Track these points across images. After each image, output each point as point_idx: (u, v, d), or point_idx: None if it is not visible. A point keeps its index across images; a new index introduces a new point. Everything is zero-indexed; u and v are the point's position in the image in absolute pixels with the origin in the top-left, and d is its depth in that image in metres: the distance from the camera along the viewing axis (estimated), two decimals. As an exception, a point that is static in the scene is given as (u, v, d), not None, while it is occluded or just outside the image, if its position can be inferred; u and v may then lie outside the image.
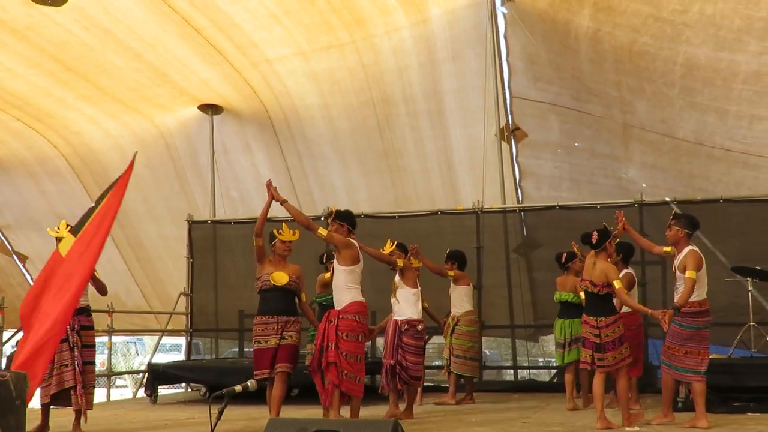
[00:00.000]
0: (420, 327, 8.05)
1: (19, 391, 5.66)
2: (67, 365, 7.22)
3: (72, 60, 11.67)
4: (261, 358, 6.96)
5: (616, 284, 7.01)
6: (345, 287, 7.08)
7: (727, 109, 10.99)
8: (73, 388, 7.19)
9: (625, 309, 8.21)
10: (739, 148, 11.50)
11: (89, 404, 7.40)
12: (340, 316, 7.02)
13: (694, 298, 6.90)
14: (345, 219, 7.32)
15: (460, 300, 9.62)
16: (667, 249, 7.28)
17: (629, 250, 8.45)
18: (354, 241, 7.20)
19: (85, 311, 7.47)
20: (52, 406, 7.37)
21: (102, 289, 7.62)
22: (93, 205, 7.30)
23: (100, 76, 12.15)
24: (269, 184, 7.03)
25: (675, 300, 7.02)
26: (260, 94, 13.01)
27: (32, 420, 7.44)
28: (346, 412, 7.20)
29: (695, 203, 10.56)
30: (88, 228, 7.08)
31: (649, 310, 7.13)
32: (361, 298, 7.10)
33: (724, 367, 8.23)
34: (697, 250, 7.03)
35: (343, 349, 6.96)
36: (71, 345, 7.24)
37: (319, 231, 7.01)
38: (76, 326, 7.29)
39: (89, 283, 7.45)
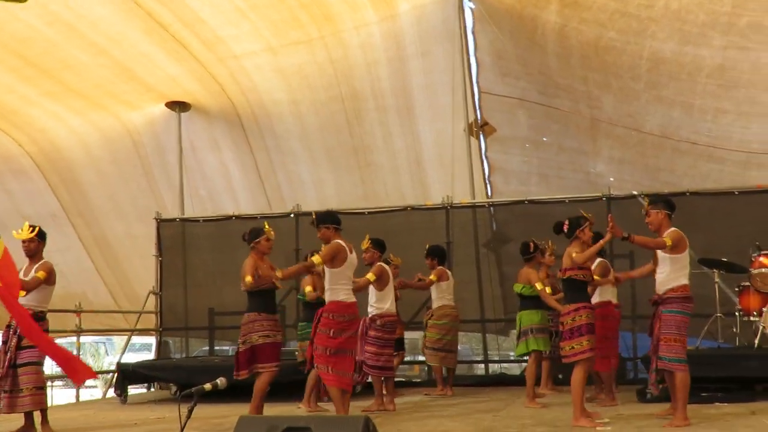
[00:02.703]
0: (379, 321, 8.25)
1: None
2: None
3: (35, 56, 11.52)
4: (273, 352, 7.37)
5: (574, 254, 6.95)
6: (329, 287, 7.23)
7: (692, 103, 11.11)
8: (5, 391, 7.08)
9: (600, 298, 8.16)
10: (705, 141, 11.63)
11: (38, 404, 7.24)
12: (322, 314, 7.23)
13: (681, 281, 6.74)
14: (328, 220, 7.38)
15: (438, 295, 9.87)
16: (669, 241, 6.70)
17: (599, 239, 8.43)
18: (341, 241, 7.22)
19: (35, 315, 7.30)
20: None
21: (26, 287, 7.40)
22: None
23: (65, 72, 12.00)
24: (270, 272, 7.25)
25: (657, 288, 6.83)
26: (228, 90, 12.93)
27: (9, 422, 7.38)
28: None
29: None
30: None
31: (602, 241, 6.94)
32: (340, 298, 7.18)
33: (691, 358, 8.20)
34: (681, 232, 6.81)
35: (315, 343, 7.19)
36: (7, 348, 7.14)
37: (316, 263, 7.14)
38: (19, 329, 7.16)
39: (38, 288, 7.30)
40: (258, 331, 7.29)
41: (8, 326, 7.25)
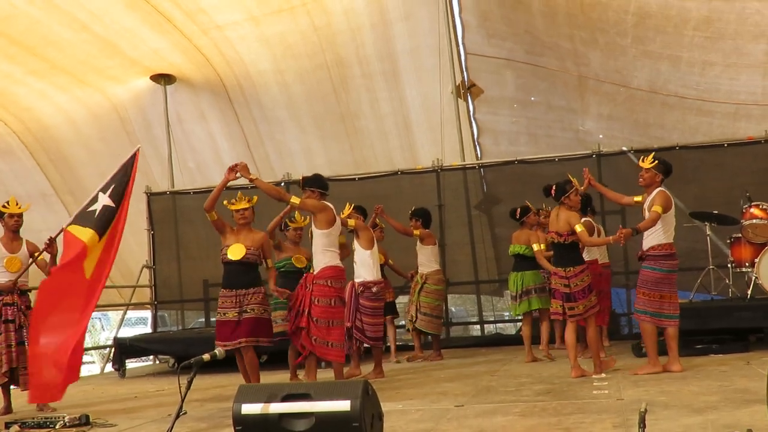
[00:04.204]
0: (375, 288, 8.05)
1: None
2: (11, 346, 7.17)
3: (18, 34, 11.37)
4: (220, 331, 6.89)
5: (578, 228, 7.09)
6: (321, 251, 7.05)
7: (679, 57, 11.07)
8: (18, 368, 7.14)
9: (587, 257, 8.26)
10: (693, 94, 11.61)
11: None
12: (314, 281, 7.02)
13: (663, 240, 6.97)
14: (314, 184, 7.23)
15: (428, 259, 9.71)
16: (638, 198, 7.29)
17: (585, 201, 8.51)
18: (328, 204, 7.16)
19: (28, 292, 7.45)
20: (12, 387, 7.34)
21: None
22: (110, 204, 7.15)
23: (48, 49, 11.87)
24: (234, 167, 6.84)
25: (643, 244, 7.09)
26: (212, 61, 12.83)
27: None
28: (327, 374, 7.25)
29: (651, 152, 10.65)
30: (110, 233, 7.05)
31: (610, 238, 7.29)
32: (336, 263, 7.07)
33: (686, 311, 8.31)
34: (667, 192, 7.06)
35: (313, 314, 6.95)
36: (17, 326, 7.20)
37: (291, 200, 6.94)
38: (23, 307, 7.25)
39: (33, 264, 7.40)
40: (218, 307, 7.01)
41: (11, 304, 7.26)
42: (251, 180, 6.88)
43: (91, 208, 7.05)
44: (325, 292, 6.98)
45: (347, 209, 8.13)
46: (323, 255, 7.06)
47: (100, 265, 6.90)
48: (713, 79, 11.21)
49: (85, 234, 6.87)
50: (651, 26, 10.74)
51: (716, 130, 11.84)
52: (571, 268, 7.21)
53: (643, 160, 7.22)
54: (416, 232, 9.54)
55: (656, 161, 7.15)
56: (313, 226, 7.18)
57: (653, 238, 7.00)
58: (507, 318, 13.20)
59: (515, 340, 11.44)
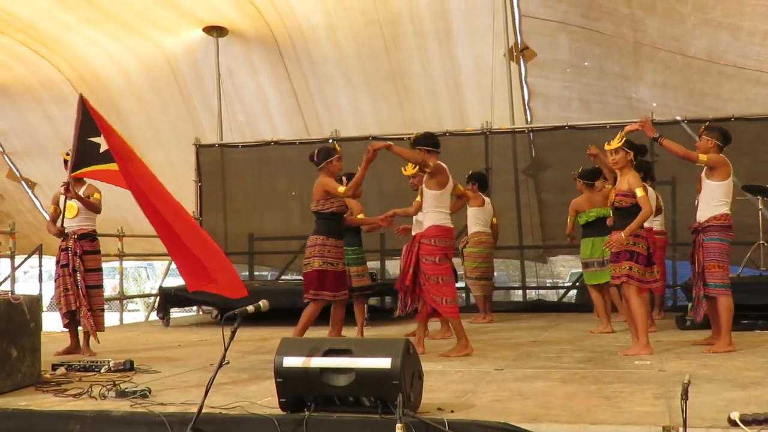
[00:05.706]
0: None
1: (33, 314, 5.71)
2: (68, 289, 7.34)
3: (73, -19, 11.48)
4: (340, 280, 7.29)
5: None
6: (430, 210, 6.97)
7: (740, 26, 10.79)
8: (78, 311, 7.32)
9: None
10: (752, 65, 11.33)
11: (99, 326, 7.53)
12: (421, 240, 6.96)
13: (722, 210, 6.65)
14: (426, 142, 7.11)
15: (471, 221, 9.75)
16: (704, 158, 6.65)
17: (646, 167, 8.27)
18: (444, 165, 7.09)
19: (90, 236, 7.57)
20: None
21: (96, 208, 7.67)
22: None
23: (102, -3, 11.97)
24: (372, 147, 6.88)
25: (698, 216, 6.78)
26: (265, 14, 12.80)
27: (56, 342, 7.56)
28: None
29: (706, 122, 10.44)
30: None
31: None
32: (442, 222, 6.95)
33: (733, 285, 8.17)
34: (725, 158, 6.71)
35: (425, 271, 6.92)
36: (72, 269, 7.35)
37: (430, 164, 6.87)
38: (78, 251, 7.39)
39: (85, 207, 7.55)
40: (321, 256, 7.10)
41: (65, 249, 7.44)
42: (388, 147, 6.88)
43: (102, 151, 7.28)
44: (429, 251, 6.90)
45: (410, 168, 8.01)
46: (432, 214, 6.95)
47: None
48: (775, 50, 10.94)
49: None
50: (712, -7, 10.50)
51: (774, 102, 11.58)
52: None
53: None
54: (460, 188, 9.44)
55: (705, 131, 6.83)
56: (424, 186, 7.07)
57: (715, 207, 6.67)
58: (549, 285, 13.14)
59: (557, 307, 11.41)
